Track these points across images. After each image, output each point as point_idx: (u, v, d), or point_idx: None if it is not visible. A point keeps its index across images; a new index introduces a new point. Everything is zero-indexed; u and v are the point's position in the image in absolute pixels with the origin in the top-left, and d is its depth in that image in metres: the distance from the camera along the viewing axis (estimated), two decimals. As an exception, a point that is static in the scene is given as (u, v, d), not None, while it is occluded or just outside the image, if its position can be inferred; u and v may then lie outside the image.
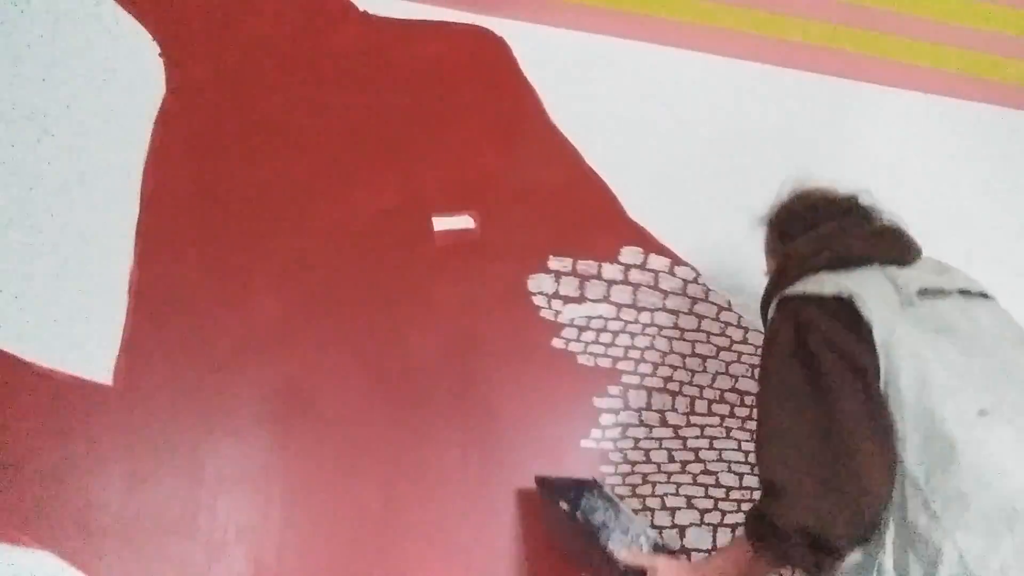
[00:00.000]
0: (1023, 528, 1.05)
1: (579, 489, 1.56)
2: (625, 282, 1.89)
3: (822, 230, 1.40)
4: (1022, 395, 1.16)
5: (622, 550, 1.41)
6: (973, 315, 1.25)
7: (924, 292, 1.24)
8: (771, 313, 1.34)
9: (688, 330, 1.90)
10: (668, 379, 1.86)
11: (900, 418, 1.14)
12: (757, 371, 1.34)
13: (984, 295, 1.31)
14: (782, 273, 1.38)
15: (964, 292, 1.29)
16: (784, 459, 1.17)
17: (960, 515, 1.08)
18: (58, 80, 1.68)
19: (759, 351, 1.89)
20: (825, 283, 1.26)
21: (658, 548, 1.47)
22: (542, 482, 1.64)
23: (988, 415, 1.12)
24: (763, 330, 1.43)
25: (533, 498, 1.68)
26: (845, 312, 1.20)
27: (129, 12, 1.75)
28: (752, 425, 1.87)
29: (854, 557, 1.16)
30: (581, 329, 1.83)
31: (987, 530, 1.07)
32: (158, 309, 1.63)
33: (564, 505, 1.52)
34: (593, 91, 2.00)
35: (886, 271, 1.28)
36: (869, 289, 1.22)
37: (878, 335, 1.17)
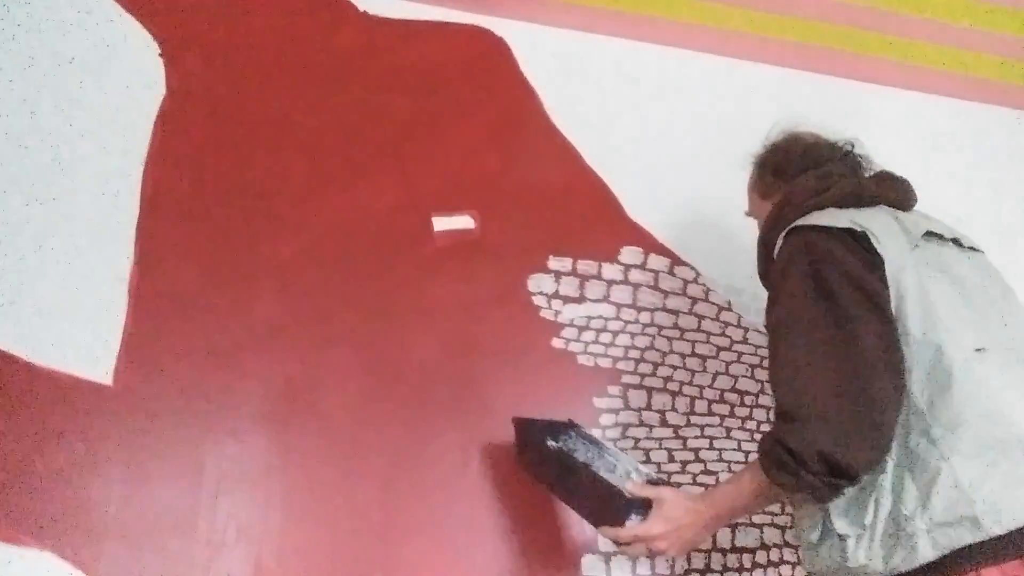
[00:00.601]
0: (1014, 460, 1.09)
1: (558, 430, 1.51)
2: (625, 282, 1.89)
3: (827, 168, 1.43)
4: (1008, 342, 1.20)
5: (627, 482, 1.37)
6: (967, 263, 1.29)
7: (929, 235, 1.27)
8: (779, 244, 1.33)
9: (688, 330, 1.90)
10: (668, 379, 1.86)
11: (907, 349, 1.17)
12: (768, 303, 1.33)
13: (974, 248, 1.35)
14: (788, 206, 1.39)
15: (957, 242, 1.32)
16: (803, 386, 1.17)
17: (957, 441, 1.11)
18: (58, 80, 1.68)
19: (759, 351, 1.90)
20: (838, 217, 1.27)
21: (652, 482, 1.41)
22: (521, 423, 1.60)
23: (984, 352, 1.15)
24: (759, 266, 1.47)
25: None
26: (858, 246, 1.22)
27: (129, 12, 1.75)
28: (752, 425, 1.87)
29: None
30: (581, 329, 1.83)
31: (982, 456, 1.10)
32: (158, 309, 1.63)
33: (554, 443, 1.47)
34: (593, 91, 2.00)
35: (892, 212, 1.31)
36: (880, 226, 1.25)
37: (889, 270, 1.20)
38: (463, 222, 1.84)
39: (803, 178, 1.42)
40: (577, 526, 1.72)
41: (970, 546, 1.09)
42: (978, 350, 1.16)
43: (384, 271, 1.76)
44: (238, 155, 1.75)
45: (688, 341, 1.89)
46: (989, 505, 1.08)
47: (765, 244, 1.44)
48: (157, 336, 1.61)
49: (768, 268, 1.40)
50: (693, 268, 1.93)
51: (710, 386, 1.88)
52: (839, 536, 1.19)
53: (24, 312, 1.57)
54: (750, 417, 1.87)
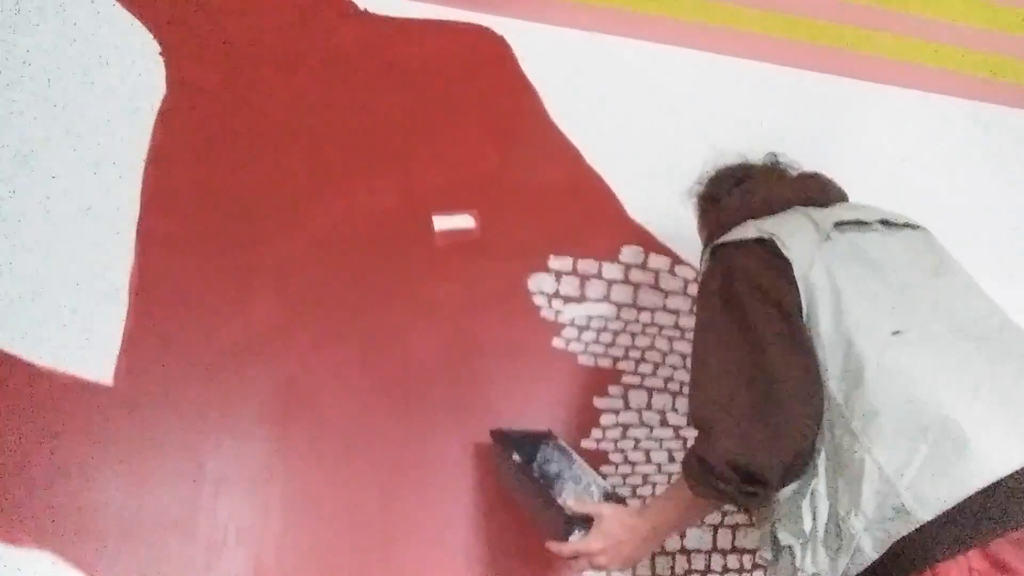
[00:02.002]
0: (935, 438, 1.07)
1: (535, 441, 1.55)
2: (626, 281, 1.89)
3: (747, 185, 1.46)
4: (935, 318, 1.18)
5: (570, 498, 1.42)
6: (891, 244, 1.28)
7: (841, 224, 1.28)
8: (702, 264, 1.40)
9: (689, 330, 1.89)
10: (669, 379, 1.86)
11: (820, 347, 1.18)
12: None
13: (911, 226, 1.34)
14: (713, 227, 1.42)
15: (886, 223, 1.32)
16: (713, 398, 1.20)
17: (876, 432, 1.10)
18: (58, 80, 1.68)
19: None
20: (748, 228, 1.31)
21: (608, 496, 1.46)
22: (498, 435, 1.63)
23: (903, 335, 1.14)
24: None
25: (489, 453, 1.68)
26: (767, 253, 1.25)
27: (129, 12, 1.75)
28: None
29: (791, 487, 1.19)
30: (581, 329, 1.83)
31: (902, 444, 1.09)
32: (158, 309, 1.63)
33: (518, 457, 1.51)
34: (593, 91, 2.00)
35: (807, 211, 1.32)
36: (789, 228, 1.27)
37: (797, 270, 1.21)
38: (463, 222, 1.84)
39: (728, 198, 1.46)
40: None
41: (912, 539, 1.07)
42: (896, 333, 1.15)
43: (384, 271, 1.76)
44: (238, 155, 1.74)
45: (689, 341, 1.89)
46: (914, 492, 1.06)
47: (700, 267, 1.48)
48: (157, 336, 1.61)
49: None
50: (694, 268, 1.93)
51: (710, 386, 1.88)
52: (787, 548, 1.19)
53: (24, 312, 1.57)
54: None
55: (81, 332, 1.58)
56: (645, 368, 1.85)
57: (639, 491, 1.78)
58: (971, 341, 1.16)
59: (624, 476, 1.77)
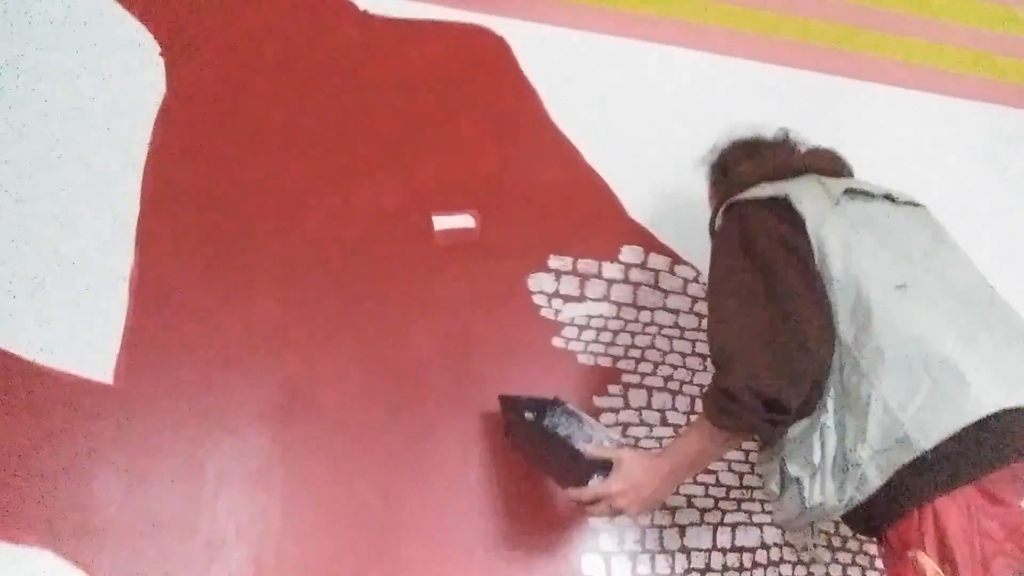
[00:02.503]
0: (937, 375, 1.16)
1: (542, 406, 1.55)
2: (625, 281, 1.89)
3: (762, 152, 1.57)
4: (934, 283, 1.28)
5: (587, 446, 1.43)
6: (895, 215, 1.38)
7: (850, 192, 1.37)
8: (718, 221, 1.47)
9: (688, 329, 1.90)
10: (668, 378, 1.86)
11: (832, 292, 1.27)
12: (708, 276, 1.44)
13: (913, 203, 1.43)
14: (726, 192, 1.49)
15: (890, 197, 1.40)
16: (736, 334, 1.27)
17: (880, 368, 1.20)
18: (58, 80, 1.68)
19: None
20: (764, 188, 1.40)
21: (622, 447, 1.47)
22: (507, 400, 1.64)
23: (905, 288, 1.24)
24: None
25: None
26: (782, 210, 1.34)
27: (129, 12, 1.75)
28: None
29: (802, 423, 1.27)
30: (581, 328, 1.83)
31: (906, 379, 1.18)
32: (158, 309, 1.63)
33: (529, 415, 1.54)
34: (593, 91, 2.00)
35: (819, 178, 1.41)
36: (802, 189, 1.36)
37: (810, 226, 1.30)
38: (463, 222, 1.84)
39: (742, 166, 1.54)
40: (577, 525, 1.72)
41: (912, 471, 1.16)
42: (899, 287, 1.24)
43: (384, 271, 1.76)
44: (238, 155, 1.75)
45: (688, 340, 1.89)
46: (916, 423, 1.16)
47: (711, 229, 1.55)
48: (157, 336, 1.61)
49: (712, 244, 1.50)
50: (694, 267, 1.93)
51: (710, 385, 1.88)
52: (795, 480, 1.27)
53: (24, 312, 1.57)
54: (751, 416, 1.87)
55: (81, 332, 1.58)
56: (645, 367, 1.85)
57: (639, 491, 1.77)
58: (965, 306, 1.26)
59: (624, 475, 1.77)
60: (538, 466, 1.63)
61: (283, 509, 1.59)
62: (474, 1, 1.93)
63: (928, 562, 1.12)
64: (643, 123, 2.00)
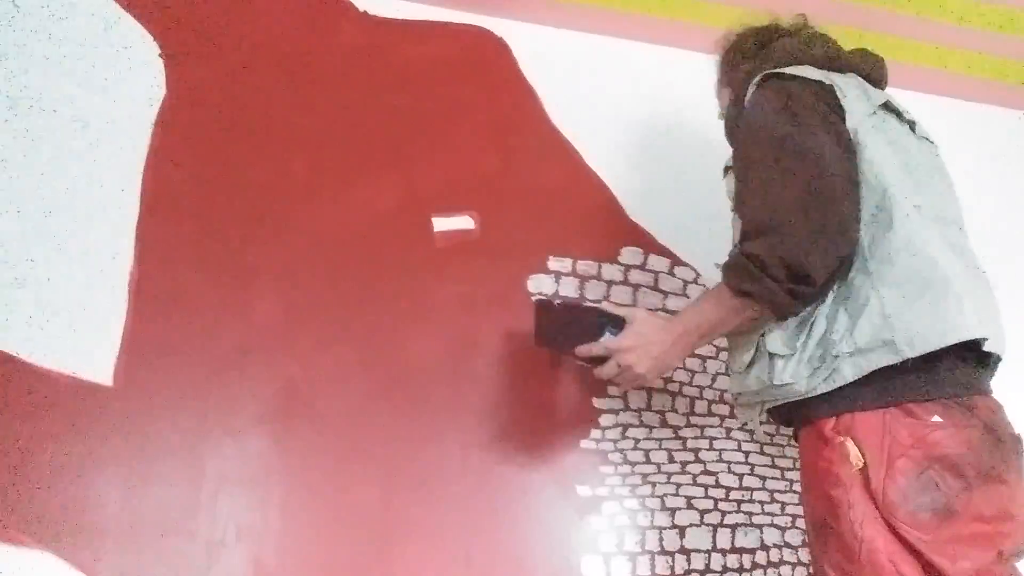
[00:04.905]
0: (934, 296, 1.18)
1: (579, 315, 1.51)
2: (625, 283, 1.89)
3: (804, 34, 1.50)
4: (948, 207, 1.32)
5: (602, 302, 1.41)
6: (915, 143, 1.37)
7: (887, 107, 1.36)
8: (751, 91, 1.39)
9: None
10: (668, 380, 1.86)
11: (861, 188, 1.27)
12: (736, 139, 1.40)
13: (928, 139, 1.42)
14: (767, 61, 1.43)
15: (912, 126, 1.39)
16: (770, 202, 1.24)
17: (887, 273, 1.21)
18: (58, 80, 1.68)
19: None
20: (809, 70, 1.35)
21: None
22: (541, 303, 1.57)
23: (921, 210, 1.25)
24: (726, 127, 1.50)
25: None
26: (826, 95, 1.31)
27: (129, 12, 1.75)
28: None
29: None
30: (581, 329, 1.83)
31: (908, 290, 1.20)
32: (158, 309, 1.63)
33: (557, 302, 1.54)
34: (593, 91, 2.00)
35: (862, 83, 1.39)
36: (848, 87, 1.34)
37: (849, 122, 1.29)
38: (463, 222, 1.84)
39: (782, 42, 1.47)
40: (576, 526, 1.72)
41: (882, 376, 1.18)
42: (916, 207, 1.25)
43: (384, 271, 1.76)
44: (238, 155, 1.75)
45: (688, 341, 1.89)
46: (906, 332, 1.18)
47: (736, 99, 1.47)
48: (157, 336, 1.61)
49: (737, 119, 1.44)
50: (693, 269, 1.93)
51: (710, 386, 1.88)
52: (770, 356, 1.28)
53: (24, 312, 1.57)
54: (750, 417, 1.87)
55: (81, 333, 1.58)
56: (645, 368, 1.84)
57: (638, 491, 1.78)
58: (962, 241, 1.30)
59: (624, 476, 1.78)
60: (563, 350, 1.54)
61: (283, 511, 1.59)
62: (474, 2, 1.93)
63: (853, 448, 1.18)
64: (643, 124, 2.00)
